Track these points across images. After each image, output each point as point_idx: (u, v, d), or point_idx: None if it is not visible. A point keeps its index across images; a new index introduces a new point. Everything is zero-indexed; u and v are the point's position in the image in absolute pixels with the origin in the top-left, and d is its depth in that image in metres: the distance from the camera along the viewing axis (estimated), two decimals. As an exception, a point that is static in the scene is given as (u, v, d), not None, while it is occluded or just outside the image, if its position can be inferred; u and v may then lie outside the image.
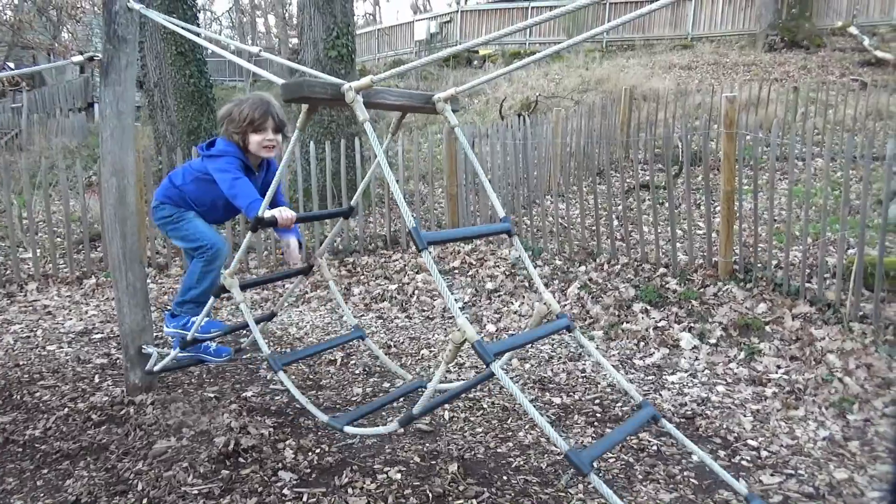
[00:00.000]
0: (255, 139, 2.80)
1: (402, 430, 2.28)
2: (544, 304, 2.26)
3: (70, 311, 5.27)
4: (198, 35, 3.49)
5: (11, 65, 22.56)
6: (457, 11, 22.66)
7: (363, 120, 2.05)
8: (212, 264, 2.91)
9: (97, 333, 4.72)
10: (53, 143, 14.89)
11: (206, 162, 2.81)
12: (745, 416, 3.29)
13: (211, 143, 2.87)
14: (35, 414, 3.32)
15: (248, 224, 2.57)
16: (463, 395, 3.51)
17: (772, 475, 2.75)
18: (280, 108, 2.87)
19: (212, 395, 3.49)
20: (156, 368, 3.20)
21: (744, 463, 2.86)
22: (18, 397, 3.53)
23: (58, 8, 20.66)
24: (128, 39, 3.04)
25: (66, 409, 3.34)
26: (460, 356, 4.15)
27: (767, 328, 4.15)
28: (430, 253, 1.95)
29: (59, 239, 6.69)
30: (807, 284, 4.38)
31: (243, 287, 2.75)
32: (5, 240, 6.03)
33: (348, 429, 2.35)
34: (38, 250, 6.20)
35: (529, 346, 4.31)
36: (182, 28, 3.02)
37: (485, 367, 2.55)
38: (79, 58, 3.24)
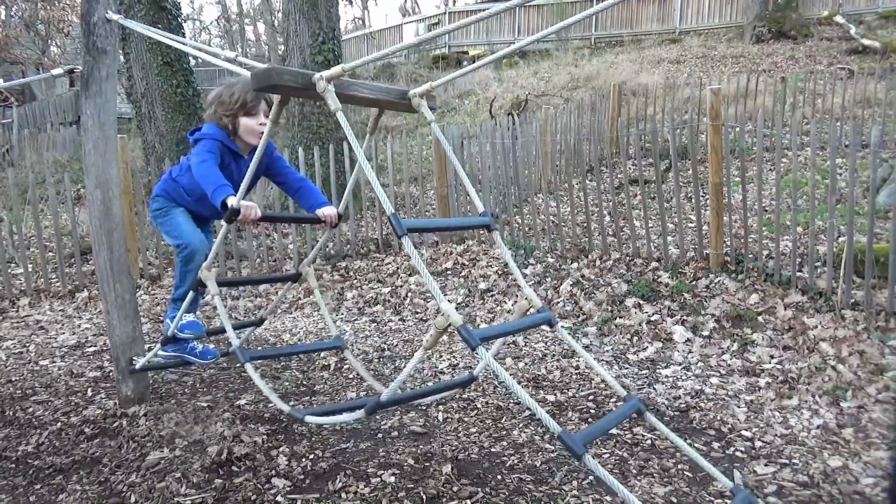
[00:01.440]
0: (246, 123, 2.75)
1: (368, 416, 2.22)
2: (525, 299, 2.24)
3: (63, 325, 5.25)
4: (182, 44, 3.48)
5: (0, 80, 22.50)
6: (445, 13, 22.68)
7: (335, 109, 2.03)
8: (189, 264, 2.90)
9: (90, 346, 4.71)
10: (45, 157, 14.85)
11: (193, 147, 2.78)
12: (738, 407, 3.29)
13: (198, 129, 2.83)
14: (28, 429, 3.30)
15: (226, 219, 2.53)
16: (456, 396, 3.50)
17: (766, 465, 2.75)
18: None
19: (205, 405, 3.48)
20: (138, 367, 3.18)
21: (738, 454, 2.85)
22: (11, 413, 3.51)
23: (45, 22, 20.62)
24: (107, 51, 3.03)
25: (59, 424, 3.32)
26: (454, 357, 4.14)
27: (760, 318, 4.15)
28: (409, 238, 1.92)
29: (50, 253, 6.67)
30: (798, 273, 4.39)
31: (224, 284, 2.74)
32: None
33: (309, 418, 2.31)
34: (30, 265, 6.18)
35: (524, 344, 4.31)
36: (162, 36, 3.01)
37: (474, 368, 2.55)
38: (58, 70, 3.22)
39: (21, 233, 6.22)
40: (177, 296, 3.04)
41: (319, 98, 2.04)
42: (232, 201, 2.43)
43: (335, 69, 2.03)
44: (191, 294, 2.79)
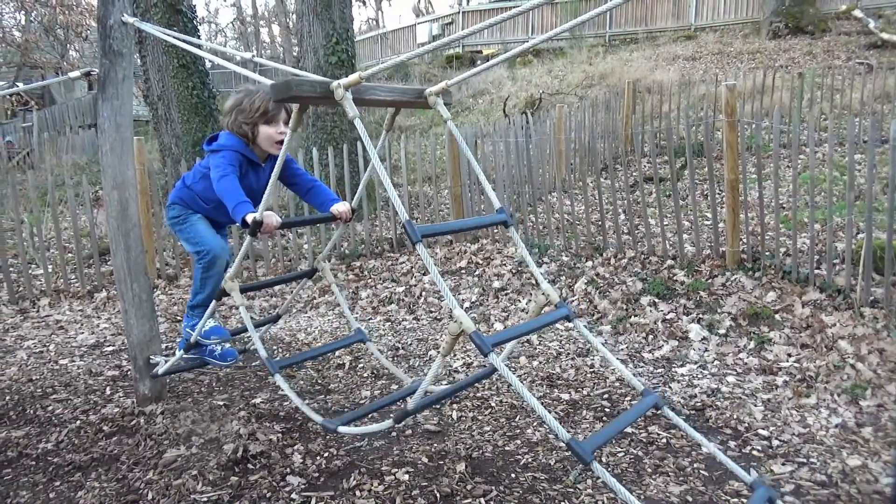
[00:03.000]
0: (266, 132, 2.75)
1: (397, 426, 2.28)
2: (543, 294, 2.25)
3: (82, 324, 5.32)
4: (198, 47, 3.51)
5: (20, 85, 22.84)
6: (458, 13, 22.68)
7: (352, 116, 2.05)
8: (210, 270, 2.93)
9: (108, 346, 4.76)
10: (64, 159, 15.05)
11: (209, 157, 2.79)
12: (755, 405, 3.26)
13: (214, 138, 2.83)
14: (48, 427, 3.35)
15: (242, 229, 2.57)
16: (471, 395, 3.50)
17: (783, 464, 2.72)
18: None
19: (221, 403, 3.51)
20: (160, 371, 3.22)
21: (755, 453, 2.83)
22: (31, 412, 3.57)
23: (64, 27, 20.88)
24: (123, 53, 3.06)
25: (78, 422, 3.36)
26: (468, 356, 4.14)
27: (777, 316, 4.11)
28: (423, 245, 1.95)
29: (69, 254, 6.76)
30: (816, 271, 4.34)
31: (244, 290, 2.76)
32: (17, 257, 6.11)
33: (342, 429, 2.34)
34: (50, 266, 6.27)
35: (538, 342, 4.30)
36: (177, 38, 3.04)
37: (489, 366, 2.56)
38: (76, 73, 3.27)
39: (41, 234, 6.31)
40: (196, 302, 3.07)
41: (338, 105, 2.06)
42: (252, 217, 2.46)
43: (352, 77, 2.04)
44: (213, 303, 2.83)
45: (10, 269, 6.03)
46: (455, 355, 4.16)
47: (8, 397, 3.78)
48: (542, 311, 2.33)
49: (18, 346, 4.77)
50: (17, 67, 22.93)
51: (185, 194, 2.97)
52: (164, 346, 3.98)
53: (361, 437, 3.04)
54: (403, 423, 3.08)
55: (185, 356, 3.11)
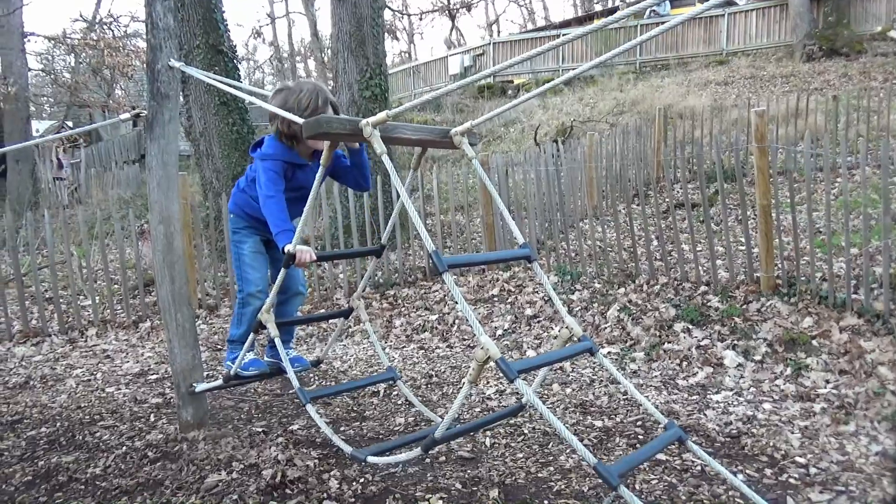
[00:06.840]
0: None
1: (425, 455, 2.31)
2: (566, 328, 2.29)
3: (127, 353, 5.50)
4: (236, 88, 3.69)
5: (70, 123, 23.85)
6: (489, 44, 23.03)
7: (380, 153, 2.16)
8: (244, 307, 3.06)
9: (152, 374, 4.92)
10: (110, 194, 15.61)
11: (256, 164, 2.86)
12: (792, 432, 3.22)
13: (259, 143, 2.91)
14: (96, 453, 3.47)
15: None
16: (503, 421, 3.53)
17: (821, 492, 2.68)
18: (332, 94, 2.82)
19: (260, 430, 3.60)
20: (198, 389, 3.35)
21: (791, 481, 2.80)
22: (80, 438, 3.71)
23: (111, 68, 21.80)
24: (170, 96, 3.24)
25: (124, 448, 3.48)
26: (500, 383, 4.17)
27: (814, 342, 4.06)
28: (450, 274, 2.02)
29: (115, 286, 7.01)
30: (853, 296, 4.28)
31: (281, 325, 2.87)
32: (67, 289, 6.36)
33: (371, 459, 2.41)
34: (97, 297, 6.52)
35: (571, 369, 4.31)
36: (220, 82, 3.21)
37: (522, 396, 2.60)
38: (126, 115, 3.47)
39: (89, 266, 6.57)
40: (233, 337, 3.20)
41: (367, 142, 2.17)
42: (288, 248, 2.56)
43: (380, 115, 2.16)
44: (251, 336, 2.94)
45: (60, 300, 6.29)
46: (488, 382, 4.19)
47: (58, 424, 3.94)
48: (566, 345, 2.38)
49: (68, 375, 4.97)
50: (66, 107, 23.96)
51: (241, 198, 3.11)
52: (205, 374, 4.11)
53: (395, 463, 3.09)
54: (436, 450, 3.13)
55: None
